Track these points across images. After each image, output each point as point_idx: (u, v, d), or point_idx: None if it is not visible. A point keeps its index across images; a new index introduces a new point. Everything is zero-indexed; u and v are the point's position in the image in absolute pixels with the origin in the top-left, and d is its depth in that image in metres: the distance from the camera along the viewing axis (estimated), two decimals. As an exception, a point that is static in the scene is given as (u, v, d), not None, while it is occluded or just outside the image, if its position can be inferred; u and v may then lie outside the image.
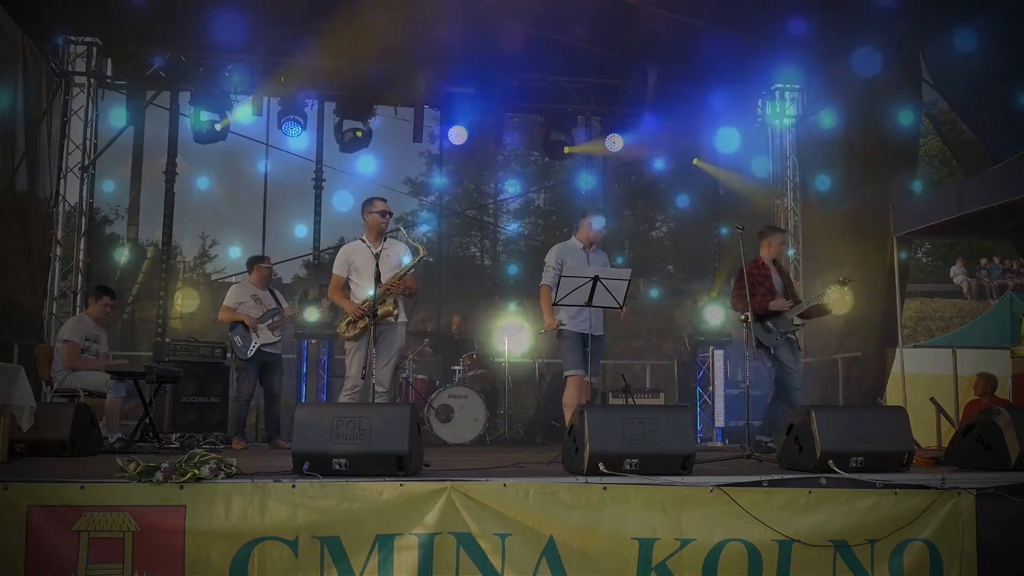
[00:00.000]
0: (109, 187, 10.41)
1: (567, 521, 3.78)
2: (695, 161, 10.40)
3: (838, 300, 6.09)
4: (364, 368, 5.48)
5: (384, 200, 5.95)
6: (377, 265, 5.57)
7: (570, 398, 5.66)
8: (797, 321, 6.18)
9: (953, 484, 4.02)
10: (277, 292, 7.47)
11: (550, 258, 5.92)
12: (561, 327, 5.75)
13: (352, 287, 5.82)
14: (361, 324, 5.61)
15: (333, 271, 5.89)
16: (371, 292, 5.54)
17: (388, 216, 5.90)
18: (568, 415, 5.56)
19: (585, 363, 5.61)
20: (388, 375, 5.64)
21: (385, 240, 5.86)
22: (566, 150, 10.47)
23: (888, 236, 7.42)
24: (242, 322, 7.06)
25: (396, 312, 5.65)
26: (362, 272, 5.76)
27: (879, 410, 5.52)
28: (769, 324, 6.14)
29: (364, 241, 5.86)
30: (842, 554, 3.90)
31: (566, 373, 5.74)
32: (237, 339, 7.06)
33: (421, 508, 3.70)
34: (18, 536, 3.45)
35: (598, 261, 5.96)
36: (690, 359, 9.68)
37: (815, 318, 6.51)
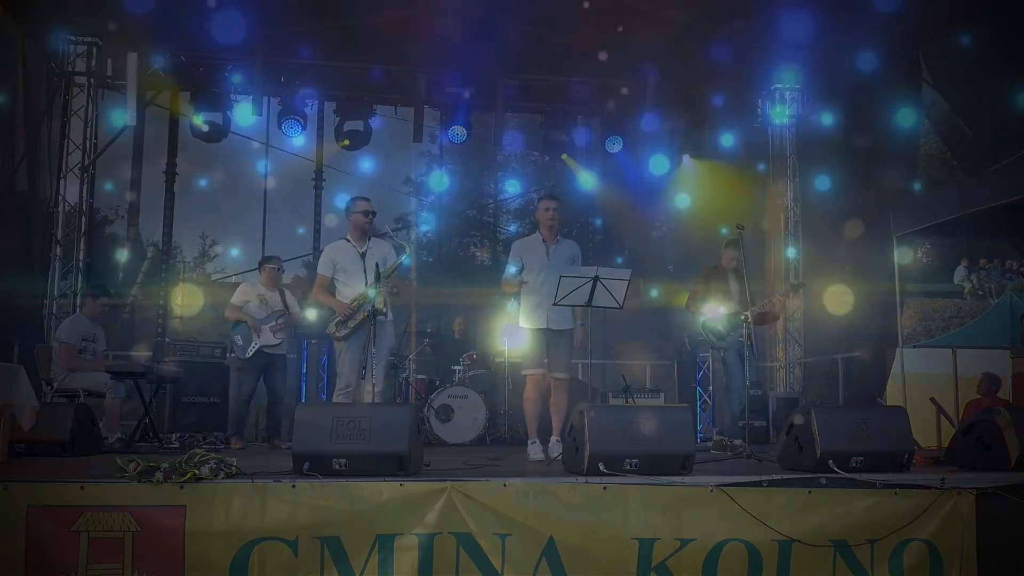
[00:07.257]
0: (109, 187, 10.40)
1: (567, 521, 3.78)
2: (682, 159, 10.41)
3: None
4: (364, 368, 5.50)
5: (367, 200, 5.95)
6: (376, 265, 5.59)
7: (527, 394, 5.68)
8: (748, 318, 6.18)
9: (953, 484, 4.02)
10: (288, 293, 7.33)
11: (512, 252, 5.82)
12: (521, 326, 5.70)
13: (339, 287, 5.84)
14: (351, 324, 5.63)
15: (318, 271, 5.92)
16: (360, 291, 5.65)
17: (371, 216, 5.91)
18: (527, 411, 5.65)
19: (543, 361, 5.60)
20: (380, 374, 5.66)
21: (370, 240, 5.89)
22: (563, 156, 10.49)
23: (888, 236, 7.42)
24: (245, 322, 7.03)
25: (385, 311, 5.63)
26: (349, 271, 5.78)
27: (879, 410, 5.53)
28: (721, 330, 6.43)
29: (349, 240, 5.88)
30: (842, 554, 3.90)
31: (523, 371, 5.74)
32: (238, 339, 7.01)
33: (421, 508, 3.70)
34: (18, 536, 3.45)
35: (560, 255, 5.62)
36: (690, 359, 9.68)
37: (767, 324, 6.94)
